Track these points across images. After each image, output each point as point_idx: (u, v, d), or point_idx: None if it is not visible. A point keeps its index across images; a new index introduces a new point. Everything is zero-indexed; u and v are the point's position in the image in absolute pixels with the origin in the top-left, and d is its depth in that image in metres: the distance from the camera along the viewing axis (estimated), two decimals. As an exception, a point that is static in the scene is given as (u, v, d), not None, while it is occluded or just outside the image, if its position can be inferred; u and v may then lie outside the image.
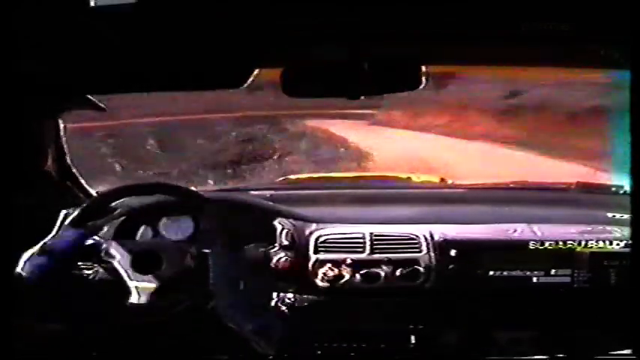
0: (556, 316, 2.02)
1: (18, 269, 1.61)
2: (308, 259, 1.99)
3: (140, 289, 1.66)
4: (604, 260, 1.96)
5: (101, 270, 1.79)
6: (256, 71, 1.61)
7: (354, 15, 1.30)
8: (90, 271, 1.85)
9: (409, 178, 2.49)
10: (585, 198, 2.27)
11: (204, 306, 1.70)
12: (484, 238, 2.01)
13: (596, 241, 1.97)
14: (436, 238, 2.00)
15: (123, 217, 1.99)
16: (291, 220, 2.04)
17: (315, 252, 2.00)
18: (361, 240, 2.00)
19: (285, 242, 1.98)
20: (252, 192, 2.33)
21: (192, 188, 2.06)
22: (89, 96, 1.93)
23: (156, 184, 2.08)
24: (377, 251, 1.98)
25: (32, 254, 1.64)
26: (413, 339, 2.02)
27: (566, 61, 1.74)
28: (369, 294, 1.98)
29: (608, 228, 2.01)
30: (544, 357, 1.71)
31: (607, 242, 1.97)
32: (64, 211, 1.91)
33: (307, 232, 2.03)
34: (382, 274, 1.96)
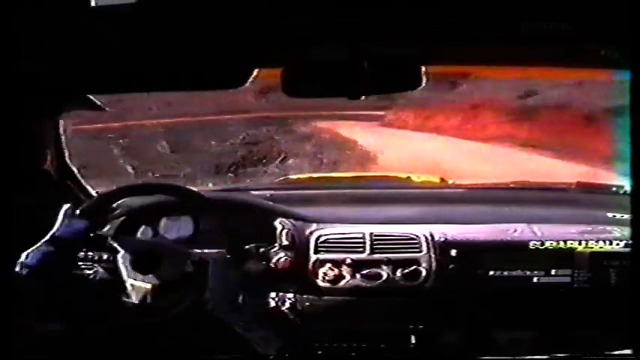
0: (556, 316, 2.02)
1: (22, 259, 1.61)
2: (308, 259, 1.99)
3: (140, 288, 1.66)
4: (604, 260, 1.97)
5: (101, 270, 1.80)
6: (256, 71, 1.61)
7: (354, 15, 1.30)
8: (90, 271, 1.85)
9: (409, 178, 2.49)
10: (585, 198, 2.27)
11: (204, 306, 1.70)
12: (484, 238, 2.01)
13: (596, 241, 1.97)
14: (436, 238, 2.00)
15: (123, 217, 2.00)
16: (291, 220, 2.04)
17: (316, 252, 2.00)
18: (361, 240, 2.00)
19: (286, 242, 1.98)
20: (253, 192, 2.33)
21: (192, 188, 2.07)
22: (89, 96, 1.93)
23: (156, 185, 2.09)
24: (377, 251, 1.98)
25: (37, 247, 1.65)
26: (413, 339, 2.02)
27: (566, 61, 1.74)
28: (369, 294, 1.98)
29: (608, 228, 2.02)
30: (544, 357, 1.71)
31: (607, 242, 1.97)
32: (65, 205, 1.91)
33: (307, 232, 2.03)
34: (382, 274, 1.96)
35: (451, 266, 1.97)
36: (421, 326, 2.03)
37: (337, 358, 2.03)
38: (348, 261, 1.97)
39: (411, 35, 1.41)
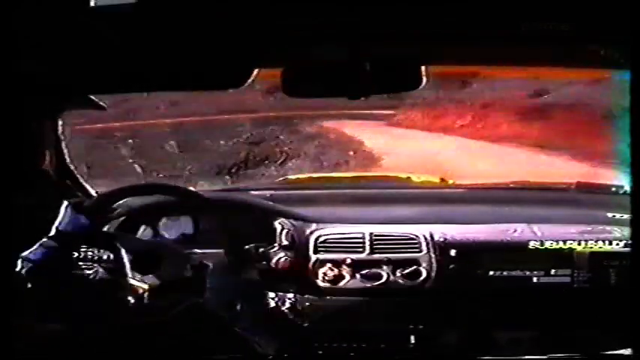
0: (556, 316, 2.02)
1: (24, 254, 1.61)
2: (308, 259, 1.99)
3: (140, 288, 1.66)
4: (604, 260, 1.97)
5: (101, 270, 1.79)
6: (256, 71, 1.61)
7: (354, 15, 1.30)
8: (90, 271, 1.85)
9: (409, 178, 2.49)
10: (585, 198, 2.27)
11: (204, 306, 1.70)
12: (484, 238, 2.01)
13: (596, 241, 1.97)
14: (436, 238, 2.00)
15: (123, 217, 1.99)
16: (291, 220, 2.04)
17: (315, 252, 2.00)
18: (361, 240, 2.00)
19: (285, 242, 1.98)
20: (252, 192, 2.33)
21: (192, 188, 2.07)
22: (89, 96, 1.93)
23: (156, 185, 2.09)
24: (377, 251, 1.98)
25: (40, 243, 1.65)
26: (413, 339, 2.02)
27: (566, 61, 1.74)
28: (369, 294, 1.98)
29: (608, 228, 2.01)
30: (544, 357, 1.70)
31: (607, 242, 1.97)
32: (66, 202, 1.90)
33: (307, 232, 2.03)
34: (382, 274, 1.96)
35: (451, 266, 1.97)
36: (421, 326, 2.02)
37: (337, 358, 2.03)
38: (348, 261, 1.97)
39: (411, 35, 1.41)
